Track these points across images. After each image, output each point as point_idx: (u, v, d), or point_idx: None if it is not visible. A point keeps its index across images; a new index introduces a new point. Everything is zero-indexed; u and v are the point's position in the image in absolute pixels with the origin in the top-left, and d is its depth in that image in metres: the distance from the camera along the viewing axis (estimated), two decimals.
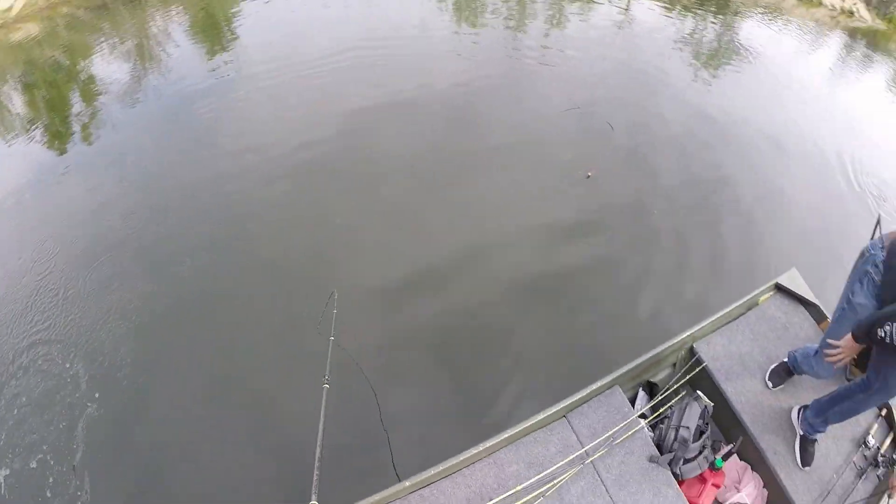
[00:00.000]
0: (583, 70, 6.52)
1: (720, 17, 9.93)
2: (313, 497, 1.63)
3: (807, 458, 2.57)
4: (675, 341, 2.67)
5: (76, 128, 5.35)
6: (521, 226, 4.24)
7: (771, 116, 6.13)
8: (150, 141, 4.97)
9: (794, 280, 3.14)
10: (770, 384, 2.74)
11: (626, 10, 9.15)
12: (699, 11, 9.78)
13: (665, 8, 9.46)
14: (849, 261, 4.25)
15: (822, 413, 2.48)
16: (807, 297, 3.09)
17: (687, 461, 2.39)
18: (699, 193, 4.85)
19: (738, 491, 2.57)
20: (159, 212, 4.16)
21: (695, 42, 8.22)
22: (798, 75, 7.80)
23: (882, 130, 6.58)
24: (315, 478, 1.68)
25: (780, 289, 3.10)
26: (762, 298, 3.03)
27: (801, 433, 2.62)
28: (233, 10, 7.48)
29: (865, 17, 15.39)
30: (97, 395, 3.15)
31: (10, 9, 9.87)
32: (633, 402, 2.63)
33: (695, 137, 5.53)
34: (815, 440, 2.59)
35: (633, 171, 4.98)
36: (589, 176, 4.84)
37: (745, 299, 2.94)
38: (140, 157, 4.74)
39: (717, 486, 2.52)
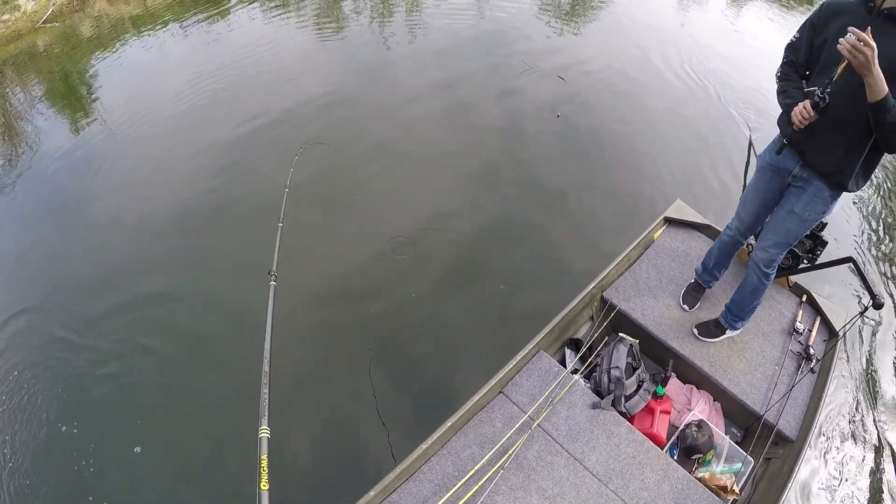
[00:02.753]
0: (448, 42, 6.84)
1: None
2: (263, 421, 1.43)
3: None
4: (584, 294, 2.83)
5: None
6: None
7: (631, 58, 6.50)
8: (33, 232, 4.76)
9: (681, 210, 3.40)
10: (686, 307, 2.94)
11: None
12: None
13: None
14: (726, 179, 4.63)
15: (743, 307, 2.71)
16: (698, 221, 3.35)
17: (629, 397, 2.54)
18: (579, 146, 5.07)
19: (691, 410, 2.72)
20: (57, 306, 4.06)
21: (553, 4, 8.47)
22: (653, 14, 8.16)
23: (733, 47, 7.09)
24: (264, 397, 1.49)
25: (670, 221, 3.36)
26: (656, 235, 3.27)
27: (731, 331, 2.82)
28: (88, 71, 7.41)
29: None
30: None
31: None
32: (563, 363, 2.76)
33: (562, 93, 5.78)
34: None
35: (510, 136, 5.21)
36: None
37: (639, 239, 3.16)
38: (27, 251, 4.54)
39: (668, 413, 2.66)
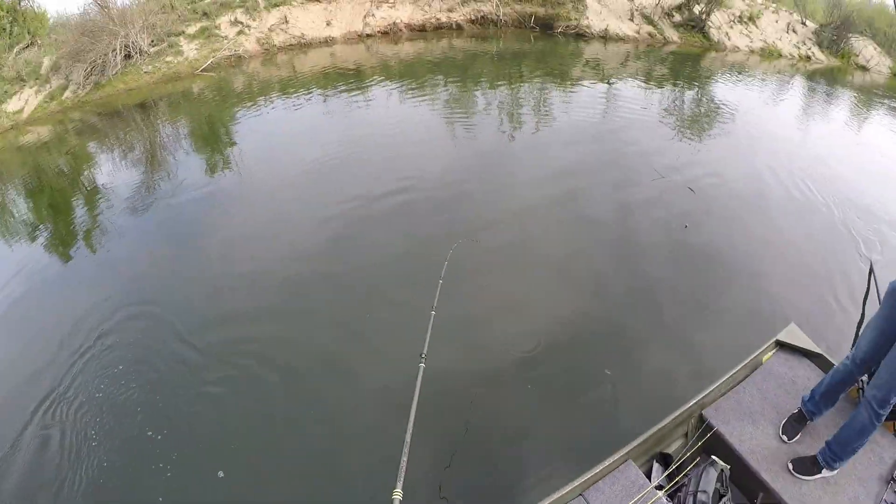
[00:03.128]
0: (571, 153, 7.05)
1: (695, 84, 10.59)
2: (398, 485, 1.54)
3: None
4: (682, 410, 2.82)
5: (81, 234, 5.62)
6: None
7: (749, 170, 6.49)
8: (158, 251, 5.18)
9: (793, 334, 3.31)
10: (785, 438, 2.84)
11: (609, 86, 9.86)
12: (675, 83, 10.46)
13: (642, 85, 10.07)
14: (845, 304, 4.44)
15: (846, 446, 2.60)
16: (810, 348, 3.25)
17: None
18: (694, 254, 5.07)
19: None
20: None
21: (677, 111, 8.79)
22: (780, 126, 8.19)
23: (857, 165, 6.88)
24: (402, 464, 1.61)
25: (781, 345, 3.28)
26: (765, 357, 3.21)
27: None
28: (232, 120, 8.21)
29: (821, 59, 16.89)
30: None
31: (21, 111, 10.33)
32: (648, 476, 2.73)
33: (676, 205, 5.84)
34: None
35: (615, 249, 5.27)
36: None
37: (747, 360, 3.12)
38: (150, 268, 4.95)
39: None
